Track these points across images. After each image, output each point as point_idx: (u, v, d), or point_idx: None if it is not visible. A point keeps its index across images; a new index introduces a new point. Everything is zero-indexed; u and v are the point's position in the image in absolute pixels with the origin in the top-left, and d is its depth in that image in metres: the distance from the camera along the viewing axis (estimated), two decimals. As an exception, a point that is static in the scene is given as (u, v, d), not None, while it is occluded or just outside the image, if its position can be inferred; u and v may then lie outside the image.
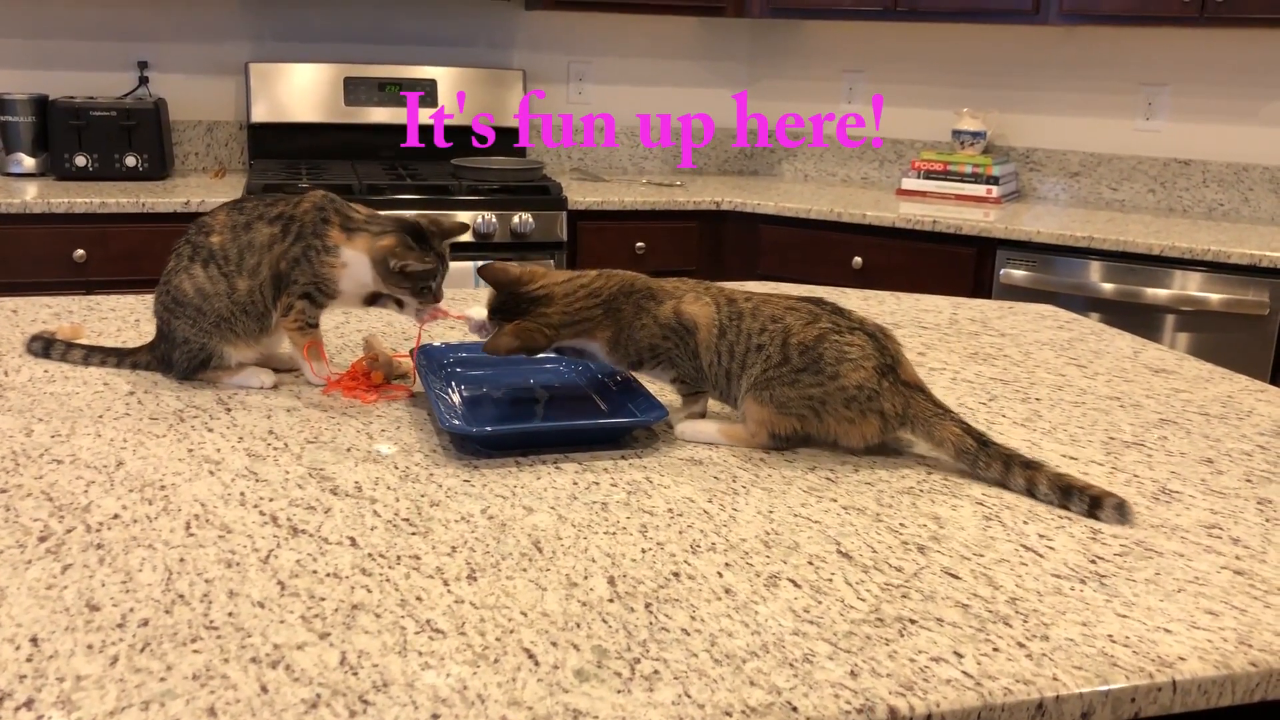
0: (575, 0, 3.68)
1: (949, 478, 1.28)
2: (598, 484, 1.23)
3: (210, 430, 1.35)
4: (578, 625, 0.93)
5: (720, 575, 1.02)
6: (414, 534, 1.09)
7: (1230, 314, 2.93)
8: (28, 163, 3.46)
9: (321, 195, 1.52)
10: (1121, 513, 1.18)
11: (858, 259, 3.40)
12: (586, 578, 1.01)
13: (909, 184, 3.76)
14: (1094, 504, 1.19)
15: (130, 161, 3.41)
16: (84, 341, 1.64)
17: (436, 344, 1.58)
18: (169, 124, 3.65)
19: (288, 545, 1.06)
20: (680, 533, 1.11)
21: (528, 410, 1.41)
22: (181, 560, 1.02)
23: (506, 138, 3.94)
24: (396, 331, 1.84)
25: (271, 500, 1.16)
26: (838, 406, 1.30)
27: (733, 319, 1.36)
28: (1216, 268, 2.95)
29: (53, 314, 1.86)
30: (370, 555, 1.04)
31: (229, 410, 1.43)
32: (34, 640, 0.88)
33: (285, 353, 1.59)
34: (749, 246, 3.60)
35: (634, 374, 1.43)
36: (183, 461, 1.25)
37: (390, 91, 3.80)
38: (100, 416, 1.38)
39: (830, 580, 1.02)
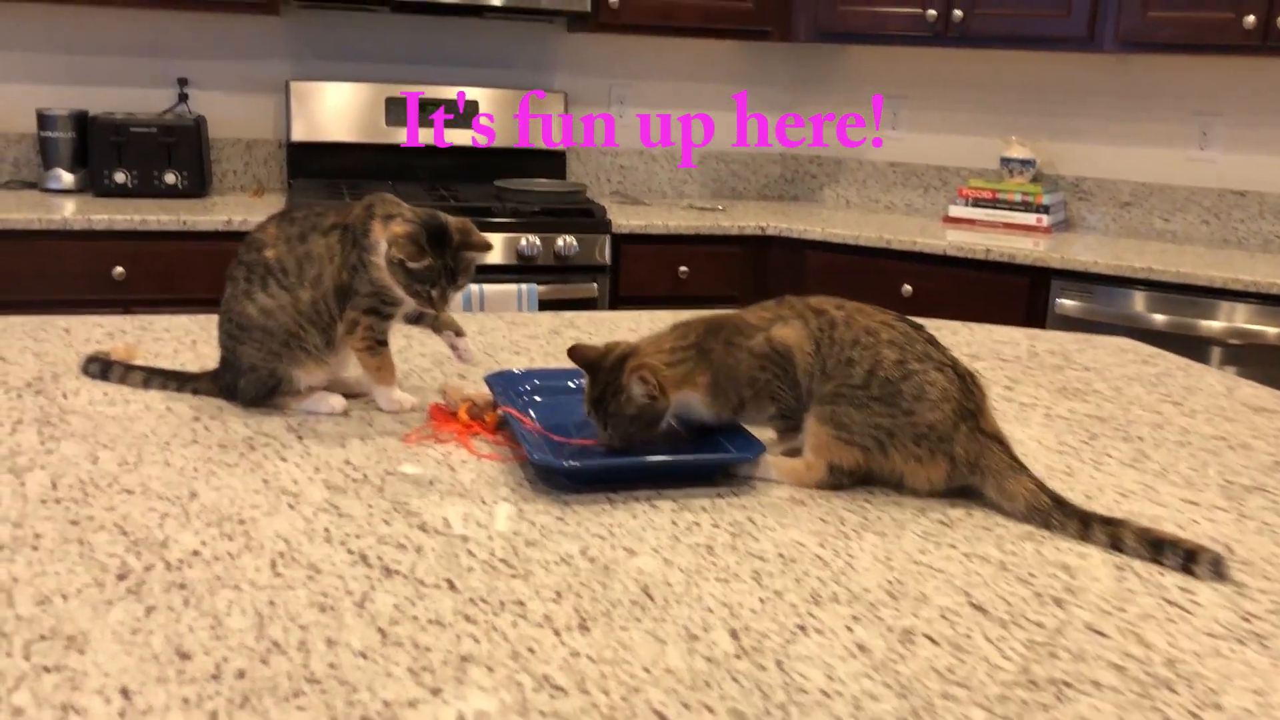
0: (618, 23, 3.64)
1: (1067, 523, 1.21)
2: (698, 524, 1.16)
3: (284, 460, 1.29)
4: (707, 684, 0.86)
5: (850, 629, 0.95)
6: (514, 577, 1.02)
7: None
8: (66, 179, 3.42)
9: (373, 196, 1.46)
10: (1218, 568, 1.10)
11: (907, 286, 3.33)
12: (706, 630, 0.94)
13: (956, 211, 3.69)
14: (1189, 558, 1.11)
15: (170, 179, 3.37)
16: (141, 363, 1.58)
17: (515, 370, 1.52)
18: (208, 141, 3.60)
19: (382, 588, 0.99)
20: (797, 580, 1.04)
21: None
22: (272, 603, 0.95)
23: (547, 160, 3.89)
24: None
25: (358, 537, 1.09)
26: (906, 441, 1.24)
27: (824, 329, 1.30)
28: (1271, 299, 2.87)
29: (105, 334, 1.80)
30: (472, 600, 0.97)
31: (300, 438, 1.36)
32: (124, 692, 0.81)
33: (351, 377, 1.53)
34: (794, 272, 3.54)
35: (734, 419, 1.35)
36: (259, 493, 1.19)
37: (431, 112, 3.76)
38: (167, 443, 1.32)
39: (969, 636, 0.95)
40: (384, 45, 3.80)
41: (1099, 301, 3.08)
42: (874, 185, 4.08)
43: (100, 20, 3.54)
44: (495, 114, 3.81)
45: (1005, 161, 3.70)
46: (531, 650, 0.90)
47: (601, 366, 1.29)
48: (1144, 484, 1.34)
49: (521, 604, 0.97)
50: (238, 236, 3.08)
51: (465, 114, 3.79)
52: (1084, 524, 1.17)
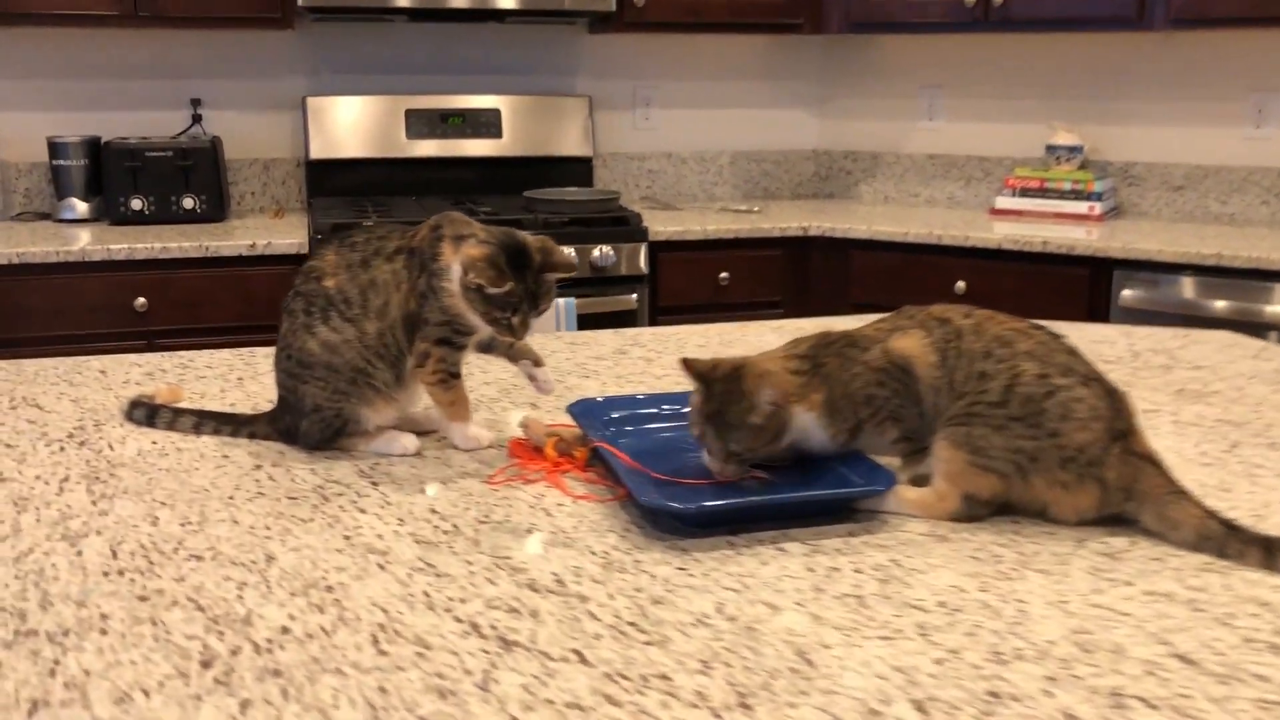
0: (644, 22, 3.51)
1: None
2: (837, 570, 1.03)
3: (362, 511, 1.16)
4: (909, 773, 0.73)
5: (1050, 694, 0.82)
6: (649, 644, 0.90)
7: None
8: (80, 208, 3.31)
9: (440, 216, 1.33)
10: None
11: (961, 283, 3.20)
12: (886, 702, 0.81)
13: (1003, 203, 3.56)
14: None
15: (188, 203, 3.25)
16: (188, 405, 1.46)
17: (596, 398, 1.39)
18: (224, 163, 3.49)
19: (504, 664, 0.86)
20: (970, 635, 0.91)
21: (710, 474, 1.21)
22: (383, 690, 0.83)
23: (574, 167, 3.77)
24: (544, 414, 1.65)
25: (464, 602, 0.96)
26: (1051, 466, 1.10)
27: (950, 339, 1.17)
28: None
29: (144, 374, 1.67)
30: (609, 675, 0.85)
31: (375, 485, 1.24)
32: (232, 816, 0.69)
33: (419, 412, 1.40)
34: (839, 274, 3.41)
35: (850, 445, 1.22)
36: (343, 553, 1.06)
37: (453, 123, 3.64)
38: (230, 498, 1.20)
39: (1188, 697, 0.82)
40: (401, 56, 3.68)
41: (1163, 290, 2.95)
42: (913, 179, 3.95)
43: (108, 42, 3.43)
44: (519, 121, 3.68)
45: (1051, 149, 3.57)
46: (693, 738, 0.77)
47: (715, 378, 1.17)
48: (1311, 498, 1.21)
49: (666, 678, 0.85)
50: (262, 261, 2.96)
51: (487, 123, 3.67)
52: (1267, 551, 1.04)
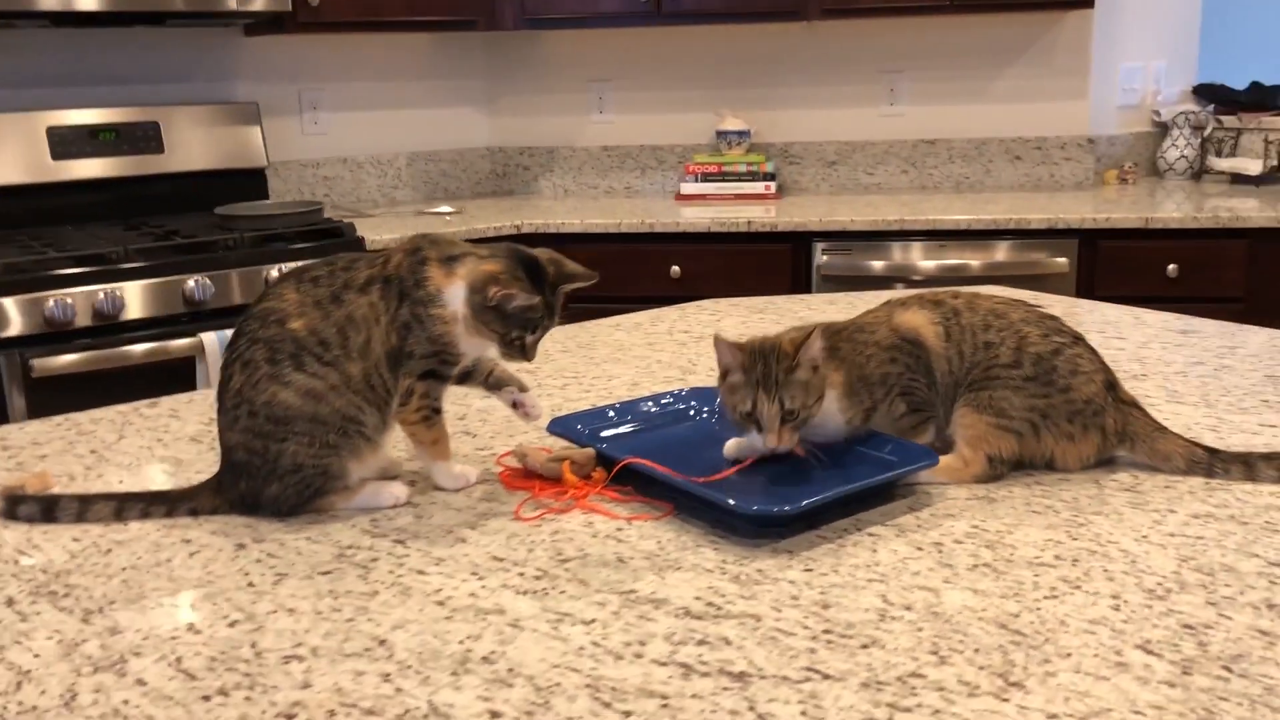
0: (318, 22, 3.32)
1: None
2: (941, 545, 1.07)
3: (421, 572, 1.04)
4: (1205, 711, 0.79)
5: (1227, 616, 0.92)
6: (864, 646, 0.89)
7: (1035, 275, 3.16)
8: None
9: (414, 238, 1.22)
10: None
11: (675, 268, 3.33)
12: (1119, 652, 0.87)
13: (688, 188, 3.75)
14: None
15: None
16: (61, 490, 1.22)
17: (568, 415, 1.33)
18: None
19: (761, 696, 0.82)
20: (1110, 580, 0.99)
21: (761, 474, 1.21)
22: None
23: (246, 179, 3.48)
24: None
25: (644, 644, 0.90)
26: (1060, 421, 1.23)
27: (949, 316, 1.26)
28: (1017, 234, 3.18)
29: (-42, 462, 1.37)
30: (867, 685, 0.84)
31: (401, 542, 1.11)
32: None
33: (382, 457, 1.27)
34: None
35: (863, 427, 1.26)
36: (454, 619, 0.95)
37: (106, 139, 3.23)
38: (251, 584, 1.02)
39: (1323, 596, 0.95)
40: (31, 66, 3.21)
41: (855, 257, 3.26)
42: (590, 171, 4.04)
43: None
44: (181, 134, 3.34)
45: (721, 134, 3.80)
46: (1009, 724, 0.78)
47: (754, 348, 1.18)
48: (1216, 415, 1.42)
49: (920, 675, 0.85)
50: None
51: (145, 137, 3.30)
52: (1246, 465, 1.21)
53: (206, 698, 0.84)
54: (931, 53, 3.77)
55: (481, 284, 1.15)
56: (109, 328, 2.70)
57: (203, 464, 1.35)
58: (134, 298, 2.73)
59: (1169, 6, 3.93)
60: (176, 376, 2.72)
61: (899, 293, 1.37)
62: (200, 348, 2.75)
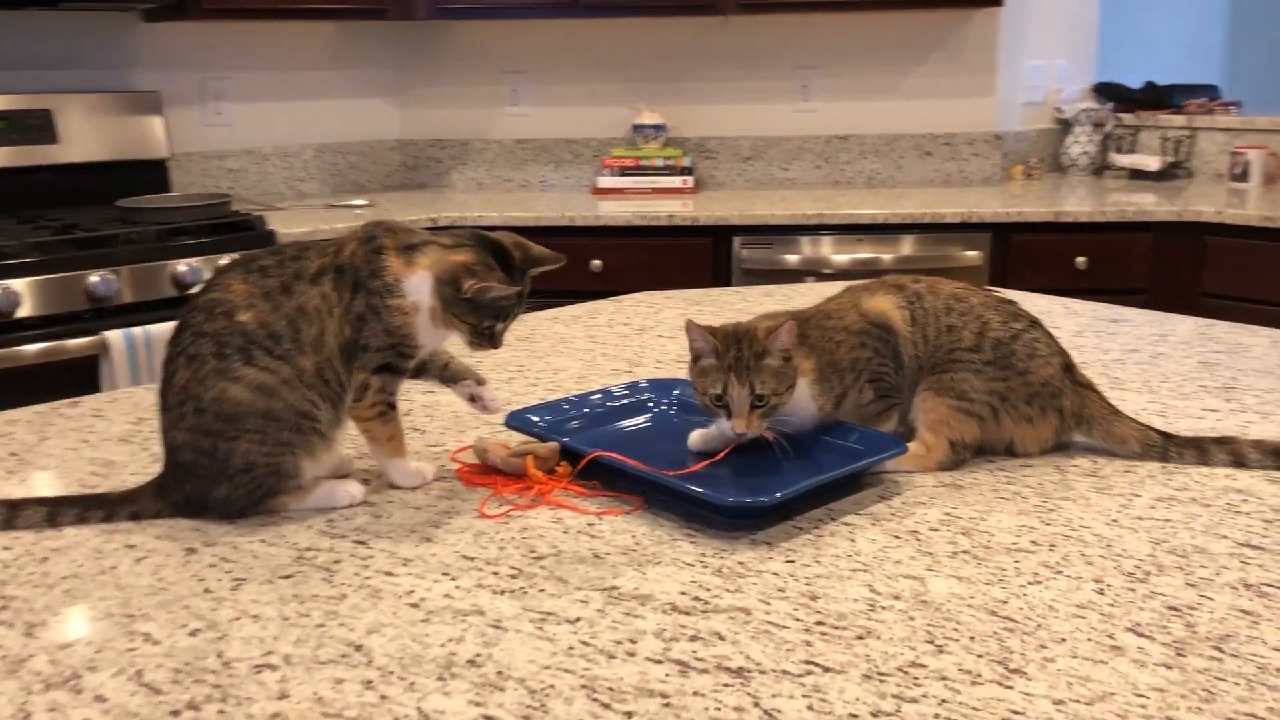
0: (222, 9, 3.20)
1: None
2: (917, 533, 1.07)
3: (389, 574, 0.99)
4: (1204, 692, 0.80)
5: (1208, 598, 0.93)
6: (859, 638, 0.88)
7: (948, 269, 3.21)
8: None
9: (367, 225, 1.17)
10: None
11: (596, 261, 3.30)
12: (1111, 635, 0.87)
13: (605, 182, 3.72)
14: None
15: None
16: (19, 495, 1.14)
17: (523, 409, 1.29)
18: None
19: (765, 691, 0.80)
20: (1089, 564, 1.00)
21: (732, 467, 1.19)
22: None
23: (145, 171, 3.35)
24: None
25: (634, 642, 0.87)
26: (1019, 403, 1.24)
27: (912, 301, 1.26)
28: (931, 229, 3.23)
29: None
30: (868, 676, 0.82)
31: (363, 543, 1.06)
32: None
33: (342, 454, 1.22)
34: (470, 263, 3.36)
35: (834, 414, 1.24)
36: (431, 622, 0.91)
37: (-7, 127, 3.07)
38: (208, 590, 0.97)
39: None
40: (-88, 49, 3.03)
41: (777, 250, 3.27)
42: (504, 164, 3.98)
43: None
44: (75, 123, 3.19)
45: (638, 128, 3.77)
46: (1019, 713, 0.78)
47: (726, 333, 1.17)
48: (1160, 401, 1.44)
49: (921, 665, 0.84)
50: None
51: (37, 125, 3.14)
52: (1199, 449, 1.23)
53: (175, 712, 0.79)
54: (844, 49, 3.81)
55: (453, 275, 1.11)
56: (0, 326, 2.56)
57: (136, 465, 1.28)
58: (29, 294, 2.59)
59: (1070, 7, 4.03)
60: (75, 377, 2.59)
61: (860, 280, 1.36)
62: (104, 346, 2.62)
